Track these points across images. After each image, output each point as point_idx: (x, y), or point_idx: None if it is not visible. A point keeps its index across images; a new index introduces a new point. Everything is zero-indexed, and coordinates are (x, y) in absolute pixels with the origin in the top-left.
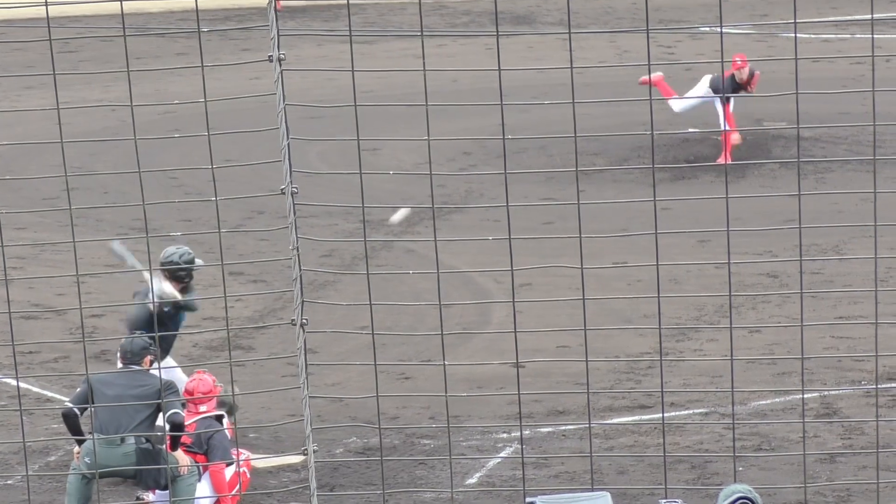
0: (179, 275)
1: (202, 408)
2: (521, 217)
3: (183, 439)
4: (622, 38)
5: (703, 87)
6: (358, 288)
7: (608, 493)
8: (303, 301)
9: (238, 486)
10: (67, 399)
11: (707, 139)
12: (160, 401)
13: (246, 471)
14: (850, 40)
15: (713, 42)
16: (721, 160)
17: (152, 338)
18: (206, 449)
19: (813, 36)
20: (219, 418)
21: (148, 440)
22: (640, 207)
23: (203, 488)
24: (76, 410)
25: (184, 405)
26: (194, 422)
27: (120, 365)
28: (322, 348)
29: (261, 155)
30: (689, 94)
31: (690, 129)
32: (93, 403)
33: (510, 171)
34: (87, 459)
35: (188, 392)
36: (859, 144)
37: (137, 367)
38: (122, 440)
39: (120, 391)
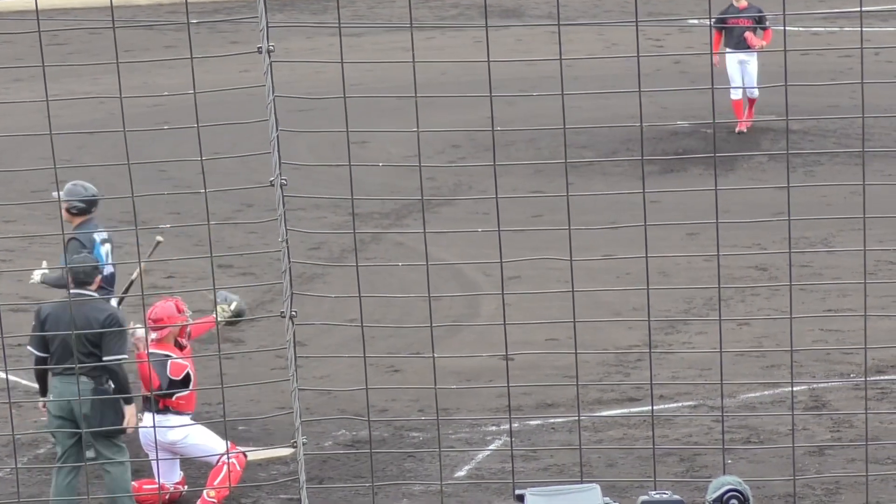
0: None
1: (153, 336)
2: (510, 210)
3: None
4: (610, 30)
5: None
6: (346, 280)
7: (597, 486)
8: (292, 293)
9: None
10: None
11: (696, 132)
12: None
13: (236, 463)
14: (839, 33)
15: (702, 35)
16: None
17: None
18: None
19: (802, 29)
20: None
21: (107, 382)
22: (628, 200)
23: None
24: (44, 355)
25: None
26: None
27: (72, 288)
28: (311, 341)
29: (249, 147)
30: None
31: (679, 122)
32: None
33: (499, 164)
34: (51, 396)
35: (151, 319)
36: (848, 137)
37: (84, 292)
38: (78, 376)
39: (69, 322)
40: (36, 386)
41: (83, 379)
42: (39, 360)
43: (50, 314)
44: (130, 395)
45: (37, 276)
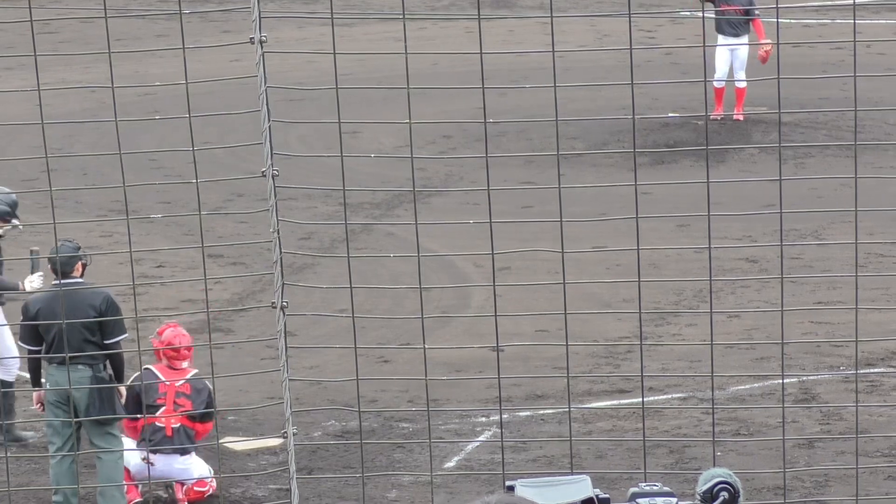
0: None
1: (184, 364)
2: (501, 201)
3: (181, 402)
4: (602, 22)
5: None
6: (336, 271)
7: (588, 477)
8: (283, 284)
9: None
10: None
11: (687, 124)
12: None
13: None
14: (830, 25)
15: (694, 27)
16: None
17: None
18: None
19: (793, 21)
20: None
21: (105, 369)
22: (619, 192)
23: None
24: (38, 348)
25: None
26: (186, 381)
27: (52, 279)
28: (301, 331)
29: (239, 137)
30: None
31: (670, 114)
32: (40, 329)
33: (491, 156)
34: (48, 385)
35: (165, 342)
36: (839, 129)
37: (71, 280)
38: (76, 366)
39: (61, 312)
40: (26, 375)
41: (81, 367)
42: (32, 354)
43: (41, 308)
44: (123, 381)
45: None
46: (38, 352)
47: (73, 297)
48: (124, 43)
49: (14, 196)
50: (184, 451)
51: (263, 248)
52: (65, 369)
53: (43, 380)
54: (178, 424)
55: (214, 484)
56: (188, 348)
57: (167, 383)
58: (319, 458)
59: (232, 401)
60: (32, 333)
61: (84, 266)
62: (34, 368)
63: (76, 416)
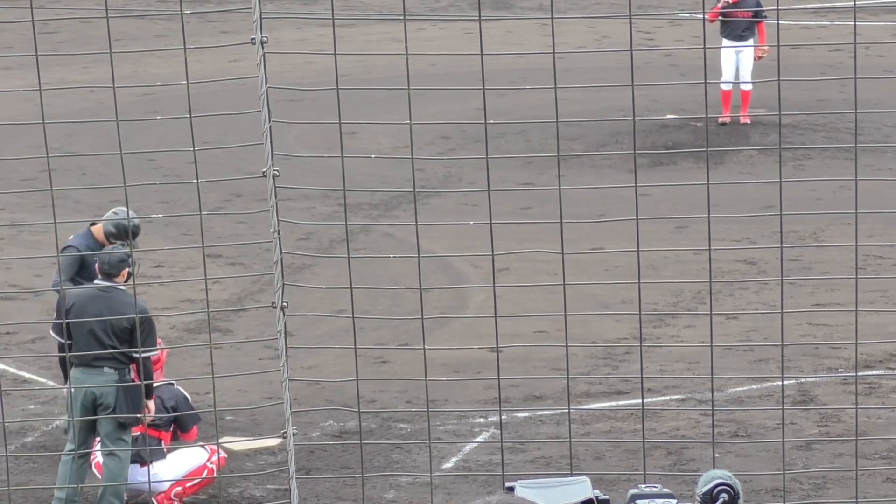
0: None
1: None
2: (499, 202)
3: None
4: (601, 23)
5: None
6: (335, 271)
7: (588, 478)
8: (283, 284)
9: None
10: (53, 333)
11: (686, 125)
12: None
13: (213, 468)
14: (829, 27)
15: (693, 28)
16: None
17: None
18: (175, 419)
19: (792, 22)
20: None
21: (129, 373)
22: (617, 193)
23: (173, 465)
24: (65, 342)
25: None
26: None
27: (98, 279)
28: (299, 331)
29: (238, 137)
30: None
31: (669, 116)
32: (68, 321)
33: (491, 157)
34: (72, 389)
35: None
36: (837, 132)
37: (113, 284)
38: (101, 368)
39: (94, 311)
40: (25, 375)
41: (108, 370)
42: (62, 348)
43: (76, 303)
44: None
45: None
46: (67, 346)
47: (110, 300)
48: (123, 43)
49: (134, 221)
50: (144, 461)
51: (262, 248)
52: (89, 371)
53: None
54: (136, 433)
55: (214, 463)
56: (156, 359)
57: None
58: (317, 458)
59: (230, 401)
60: (63, 325)
61: (130, 274)
62: (63, 363)
63: (96, 417)
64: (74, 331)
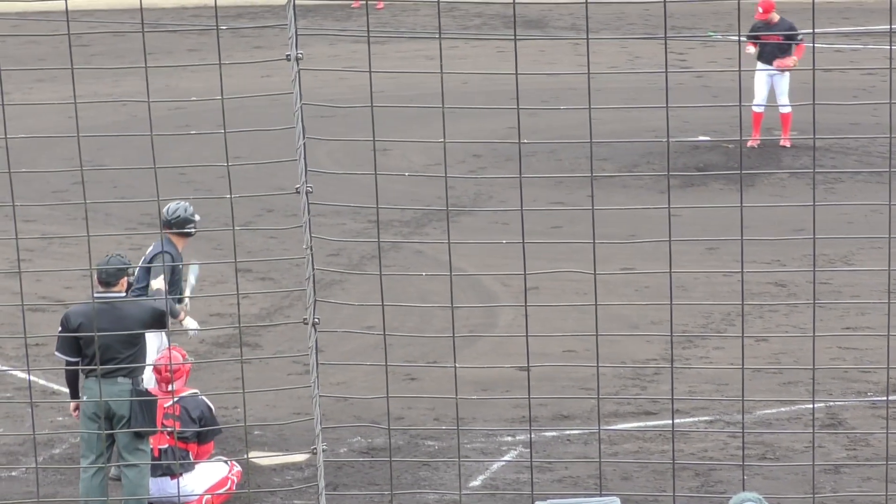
0: (188, 230)
1: (171, 386)
2: (529, 221)
3: (168, 423)
4: (633, 43)
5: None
6: (365, 288)
7: (618, 499)
8: (315, 300)
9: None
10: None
11: (717, 147)
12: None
13: (235, 480)
14: (862, 51)
15: (726, 50)
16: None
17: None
18: (198, 432)
19: (825, 46)
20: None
21: (143, 383)
22: (647, 213)
23: (201, 477)
24: (73, 359)
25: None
26: (175, 403)
27: (99, 289)
28: (328, 347)
29: (269, 153)
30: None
31: (701, 137)
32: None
33: (524, 176)
34: (84, 397)
35: (157, 371)
36: (869, 155)
37: (114, 295)
38: (115, 379)
39: (104, 324)
40: (54, 387)
41: (122, 380)
42: (70, 365)
43: (83, 323)
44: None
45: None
46: (76, 363)
47: (116, 310)
48: (156, 57)
49: (187, 209)
50: (174, 473)
51: (292, 263)
52: (103, 382)
53: (81, 394)
54: (165, 446)
55: (235, 475)
56: (178, 370)
57: None
58: (345, 474)
59: (259, 415)
60: (71, 345)
61: (129, 283)
62: (72, 380)
63: (112, 429)
64: (86, 347)
